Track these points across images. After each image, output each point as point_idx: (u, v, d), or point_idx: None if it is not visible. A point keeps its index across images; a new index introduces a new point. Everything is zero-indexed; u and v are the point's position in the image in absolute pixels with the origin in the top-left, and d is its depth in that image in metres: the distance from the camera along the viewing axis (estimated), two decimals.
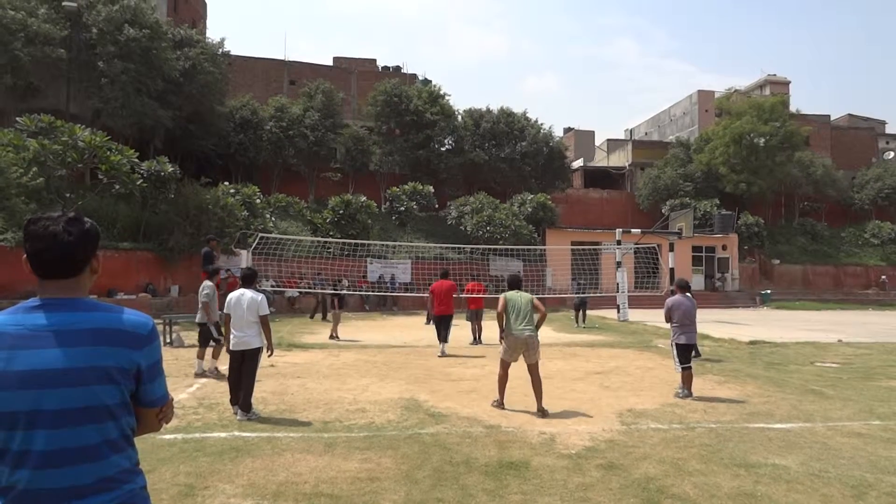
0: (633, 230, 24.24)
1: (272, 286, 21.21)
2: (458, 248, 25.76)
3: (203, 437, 5.59)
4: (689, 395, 7.72)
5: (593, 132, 55.71)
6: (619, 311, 20.39)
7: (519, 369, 7.24)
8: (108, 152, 18.49)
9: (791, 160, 36.51)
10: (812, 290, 34.65)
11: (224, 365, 7.95)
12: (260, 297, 6.59)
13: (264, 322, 6.57)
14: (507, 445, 5.44)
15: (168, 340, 12.35)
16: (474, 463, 4.91)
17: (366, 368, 9.83)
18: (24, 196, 16.77)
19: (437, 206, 31.35)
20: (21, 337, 1.55)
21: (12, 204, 16.25)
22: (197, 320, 9.38)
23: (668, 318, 8.14)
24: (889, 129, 55.04)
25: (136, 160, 20.03)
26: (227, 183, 25.36)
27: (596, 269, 23.04)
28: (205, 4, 40.50)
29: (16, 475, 1.52)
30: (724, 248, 33.24)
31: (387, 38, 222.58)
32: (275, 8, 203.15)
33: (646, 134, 56.69)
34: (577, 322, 18.28)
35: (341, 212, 25.90)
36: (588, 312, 18.77)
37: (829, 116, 48.64)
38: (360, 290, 22.92)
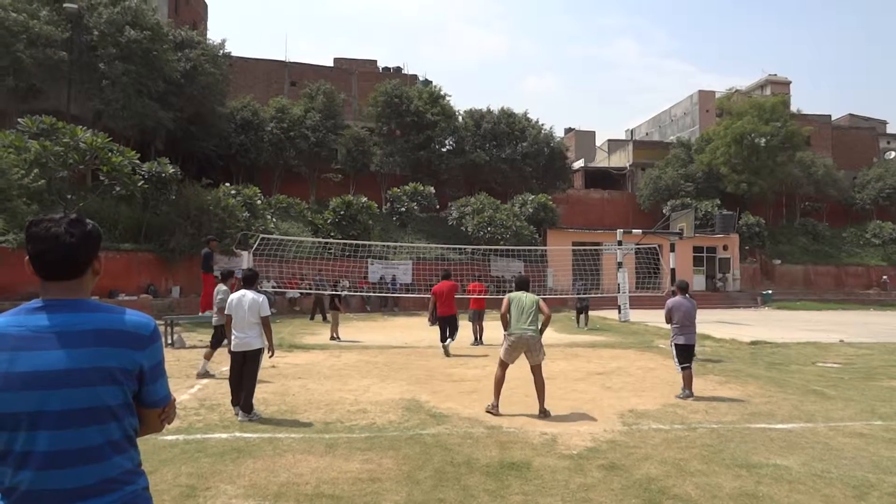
0: (634, 230, 24.24)
1: (273, 287, 21.22)
2: (460, 248, 25.76)
3: (204, 438, 5.59)
4: (690, 394, 7.72)
5: (594, 133, 55.70)
6: (620, 312, 20.38)
7: (518, 370, 7.24)
8: (110, 154, 18.52)
9: (792, 160, 36.47)
10: (813, 290, 34.61)
11: (225, 366, 7.97)
12: (261, 298, 6.60)
13: (265, 323, 6.58)
14: (509, 446, 5.44)
15: (169, 341, 12.35)
16: (476, 463, 4.91)
17: (367, 369, 9.83)
18: (25, 197, 16.80)
19: (437, 206, 31.35)
20: (24, 338, 1.55)
21: (14, 205, 16.28)
22: (214, 322, 9.45)
23: (669, 319, 8.16)
24: (890, 129, 54.97)
25: (138, 161, 20.06)
26: (228, 184, 25.37)
27: (597, 269, 23.02)
28: (205, 6, 40.53)
29: (19, 476, 1.52)
30: (725, 248, 33.22)
31: (387, 38, 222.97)
32: (275, 9, 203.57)
33: (646, 134, 56.68)
34: (578, 324, 18.27)
35: (342, 213, 25.92)
36: (589, 313, 18.74)
37: (830, 116, 48.61)
38: (361, 291, 22.94)
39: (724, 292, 32.28)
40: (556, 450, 5.34)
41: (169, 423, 1.85)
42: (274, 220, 26.06)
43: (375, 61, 45.12)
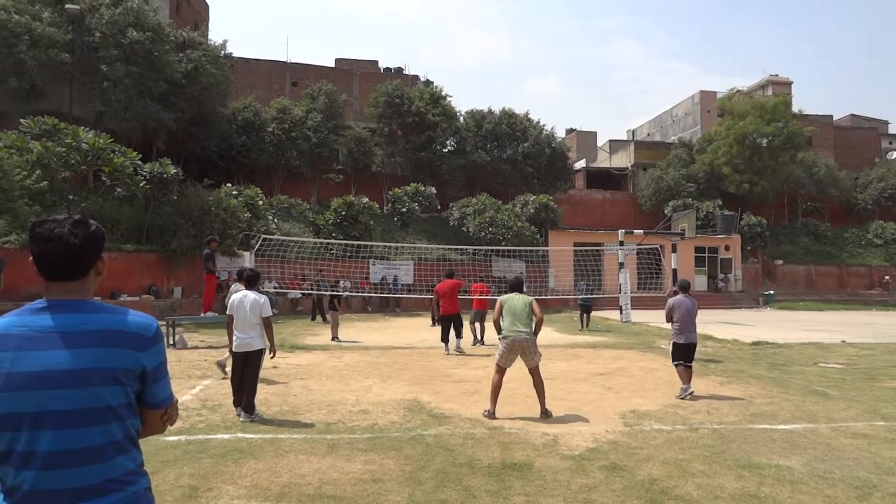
0: (635, 231, 24.21)
1: (275, 288, 21.24)
2: (461, 249, 25.75)
3: (206, 439, 5.59)
4: (690, 390, 7.66)
5: (595, 133, 55.70)
6: (621, 312, 20.35)
7: (517, 371, 7.23)
8: (112, 154, 18.56)
9: (794, 160, 36.42)
10: (815, 290, 34.55)
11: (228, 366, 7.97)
12: (263, 298, 6.61)
13: (267, 324, 6.59)
14: (510, 447, 5.43)
15: (171, 342, 12.36)
16: (477, 464, 4.91)
17: (368, 370, 9.83)
18: (27, 198, 16.85)
19: (439, 207, 31.34)
20: (27, 338, 1.56)
21: (16, 206, 16.32)
22: None
23: (669, 319, 8.16)
24: (892, 129, 54.95)
25: (139, 162, 20.09)
26: (229, 185, 25.36)
27: (599, 270, 23.01)
28: (207, 6, 40.57)
29: (21, 476, 1.52)
30: (726, 248, 33.18)
31: (388, 39, 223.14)
32: (277, 10, 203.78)
33: (648, 135, 56.70)
34: (581, 325, 18.22)
35: (344, 213, 25.92)
36: (591, 314, 18.70)
37: (831, 117, 48.58)
38: (362, 292, 22.94)
39: (726, 293, 32.23)
40: (557, 450, 5.34)
41: (171, 425, 1.86)
42: (275, 220, 26.09)
43: (377, 62, 45.19)
